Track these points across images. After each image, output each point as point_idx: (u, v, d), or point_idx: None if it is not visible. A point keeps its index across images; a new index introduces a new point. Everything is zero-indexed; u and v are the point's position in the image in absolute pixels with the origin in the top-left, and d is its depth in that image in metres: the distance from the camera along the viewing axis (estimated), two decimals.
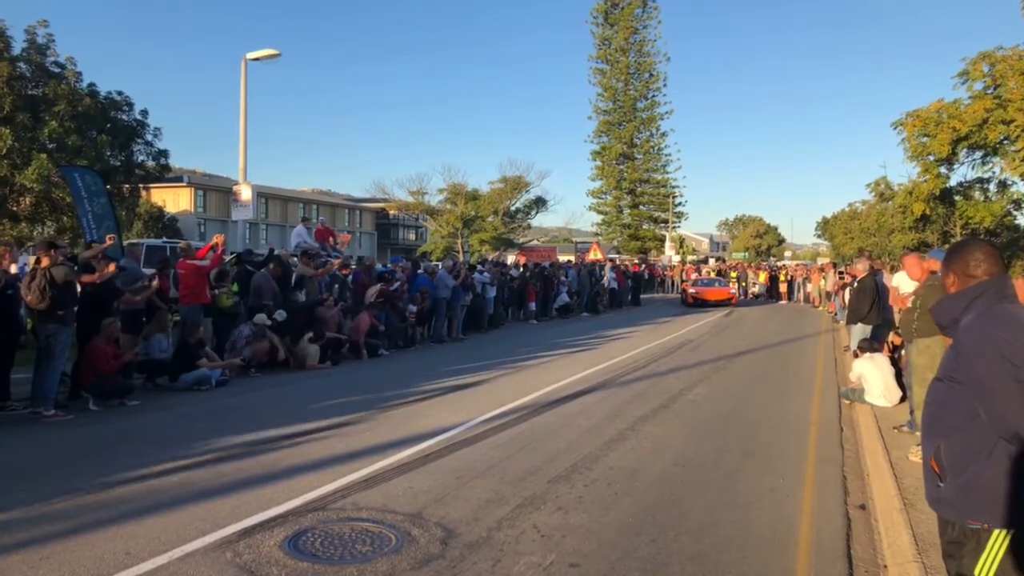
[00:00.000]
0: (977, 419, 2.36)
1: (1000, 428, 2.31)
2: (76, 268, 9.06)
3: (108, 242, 10.03)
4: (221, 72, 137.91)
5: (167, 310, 10.99)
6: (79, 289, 8.75)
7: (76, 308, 8.63)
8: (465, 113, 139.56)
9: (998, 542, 2.34)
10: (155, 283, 10.35)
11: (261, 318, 11.47)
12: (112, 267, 9.13)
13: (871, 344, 9.36)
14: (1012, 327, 2.37)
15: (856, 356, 9.52)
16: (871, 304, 10.38)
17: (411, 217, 71.23)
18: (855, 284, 10.41)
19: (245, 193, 18.34)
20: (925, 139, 28.46)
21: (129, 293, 9.86)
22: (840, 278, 21.47)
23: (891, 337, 9.63)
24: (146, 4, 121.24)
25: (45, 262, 8.14)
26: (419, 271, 17.05)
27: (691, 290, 29.27)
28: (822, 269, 30.64)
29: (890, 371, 8.76)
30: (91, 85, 22.16)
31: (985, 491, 2.34)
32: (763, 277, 35.71)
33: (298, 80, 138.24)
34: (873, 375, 8.75)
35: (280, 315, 11.84)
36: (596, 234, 56.37)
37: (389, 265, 20.25)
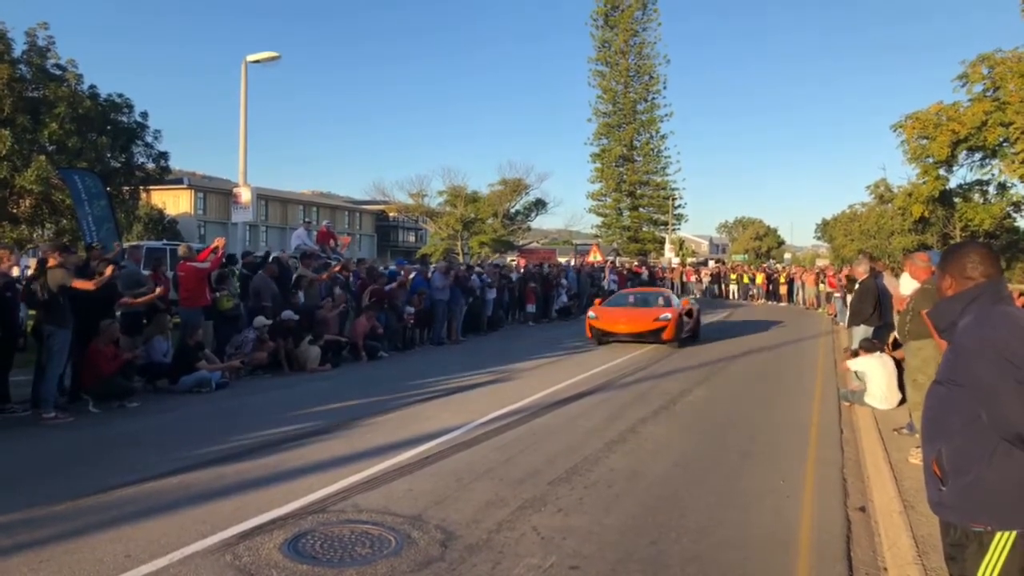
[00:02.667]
0: (978, 421, 2.36)
1: (1001, 430, 2.30)
2: (90, 272, 9.04)
3: (116, 249, 10.01)
4: (221, 74, 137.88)
5: (167, 312, 10.99)
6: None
7: (74, 310, 8.58)
8: (465, 115, 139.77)
9: (1001, 544, 2.34)
10: (159, 290, 10.31)
11: (260, 320, 11.48)
12: (110, 270, 9.08)
13: (873, 343, 9.32)
14: (1011, 328, 2.37)
15: (855, 355, 9.45)
16: (874, 306, 10.36)
17: (411, 219, 71.23)
18: (857, 286, 10.34)
19: (245, 195, 18.35)
20: (924, 141, 28.54)
21: (128, 296, 9.82)
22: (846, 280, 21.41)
23: (891, 338, 9.62)
24: (146, 6, 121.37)
25: (52, 263, 8.16)
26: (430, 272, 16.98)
27: (591, 314, 16.31)
28: (821, 272, 30.71)
29: (893, 373, 8.74)
30: (92, 87, 22.17)
31: (987, 493, 2.34)
32: (760, 279, 35.66)
33: (298, 82, 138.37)
34: (878, 375, 8.69)
35: (288, 315, 11.86)
36: (596, 236, 56.31)
37: (392, 267, 20.25)
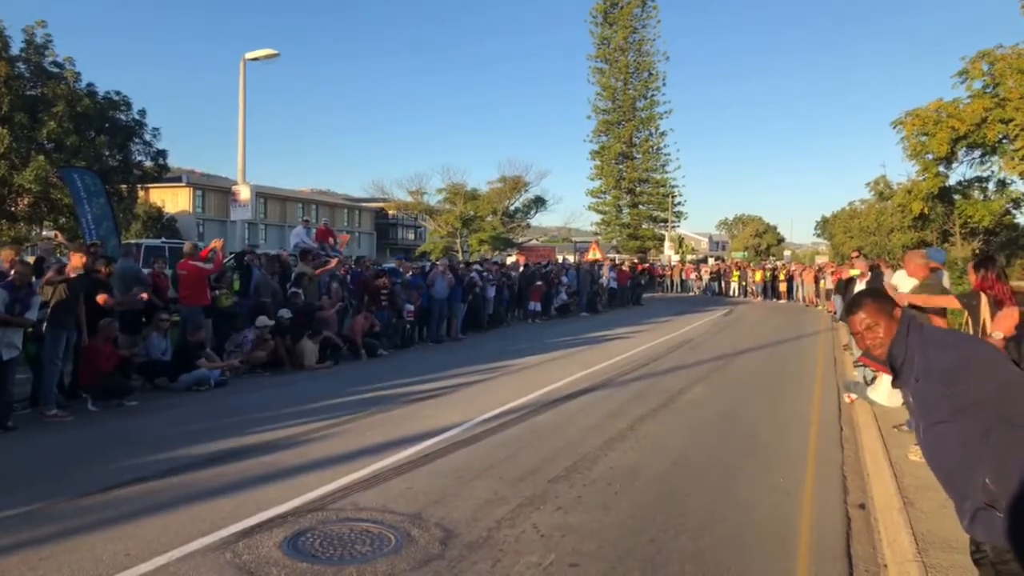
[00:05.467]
0: (993, 433, 2.35)
1: None
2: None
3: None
4: (219, 71, 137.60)
5: (165, 310, 10.96)
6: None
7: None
8: (464, 112, 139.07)
9: None
10: (143, 295, 10.17)
11: (262, 320, 11.46)
12: (106, 269, 9.04)
13: None
14: (965, 341, 2.74)
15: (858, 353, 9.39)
16: None
17: (410, 217, 71.24)
18: (864, 285, 10.25)
19: (244, 193, 18.34)
20: (924, 138, 28.52)
21: (114, 299, 9.65)
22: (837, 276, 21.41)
23: None
24: (143, 2, 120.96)
25: (76, 263, 8.19)
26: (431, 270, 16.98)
27: None
28: (821, 269, 30.70)
29: None
30: (89, 85, 22.16)
31: None
32: (759, 276, 35.58)
33: (296, 79, 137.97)
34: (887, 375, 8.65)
35: (285, 313, 11.85)
36: (595, 233, 56.33)
37: (392, 263, 20.27)
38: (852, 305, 2.79)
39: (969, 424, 2.39)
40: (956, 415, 2.41)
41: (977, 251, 29.03)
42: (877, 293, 2.83)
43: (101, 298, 9.03)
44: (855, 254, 15.34)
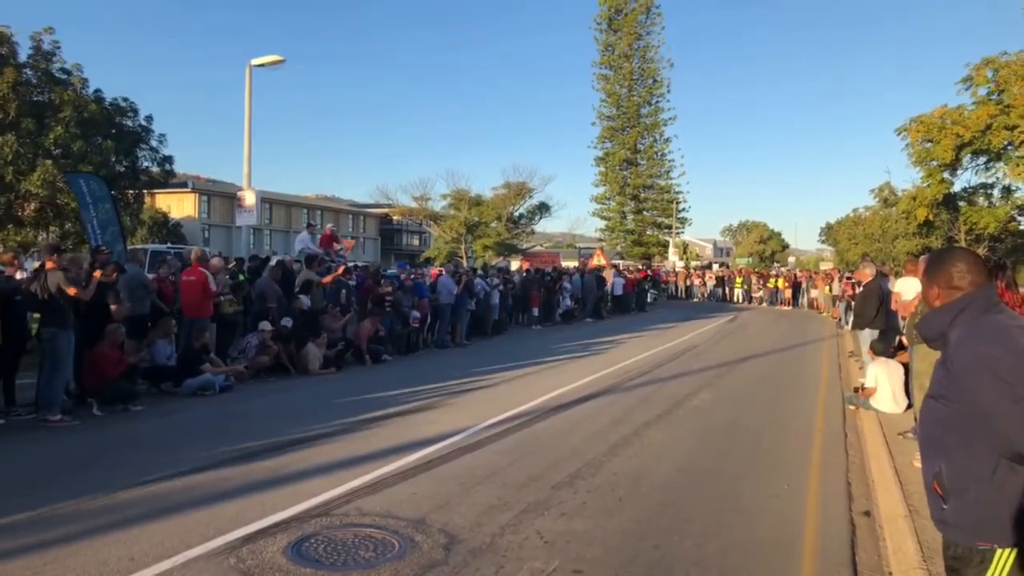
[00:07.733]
0: (976, 438, 2.33)
1: (1002, 448, 2.27)
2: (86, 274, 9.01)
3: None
4: (225, 75, 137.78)
5: (171, 315, 10.96)
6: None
7: (76, 313, 8.52)
8: (468, 118, 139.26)
9: (1003, 560, 2.33)
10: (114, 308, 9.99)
11: (265, 325, 11.48)
12: (98, 274, 8.92)
13: (885, 348, 9.27)
14: (1003, 342, 2.29)
15: (870, 355, 9.39)
16: (877, 309, 10.35)
17: (415, 223, 71.32)
18: (861, 290, 10.34)
19: (249, 199, 18.38)
20: (929, 144, 28.54)
21: (120, 306, 9.56)
22: (850, 282, 21.37)
23: (896, 341, 9.59)
24: (150, 6, 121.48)
25: (49, 265, 8.18)
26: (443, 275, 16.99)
27: None
28: (827, 275, 30.63)
29: (900, 378, 8.70)
30: (97, 91, 22.24)
31: (990, 511, 2.32)
32: (781, 282, 35.30)
33: (301, 84, 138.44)
34: (883, 381, 8.69)
35: (286, 322, 11.86)
36: (599, 240, 56.34)
37: (394, 270, 20.31)
38: (944, 254, 2.66)
39: (954, 415, 2.40)
40: (948, 403, 2.42)
41: (985, 258, 28.98)
42: (937, 263, 2.60)
43: (115, 308, 9.04)
44: (867, 261, 15.32)
